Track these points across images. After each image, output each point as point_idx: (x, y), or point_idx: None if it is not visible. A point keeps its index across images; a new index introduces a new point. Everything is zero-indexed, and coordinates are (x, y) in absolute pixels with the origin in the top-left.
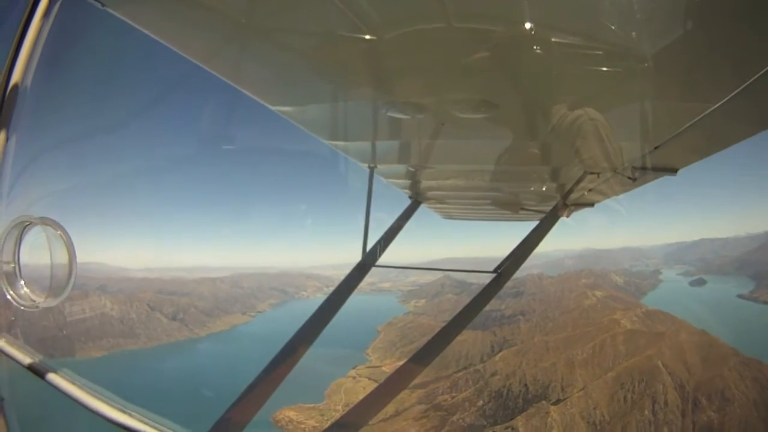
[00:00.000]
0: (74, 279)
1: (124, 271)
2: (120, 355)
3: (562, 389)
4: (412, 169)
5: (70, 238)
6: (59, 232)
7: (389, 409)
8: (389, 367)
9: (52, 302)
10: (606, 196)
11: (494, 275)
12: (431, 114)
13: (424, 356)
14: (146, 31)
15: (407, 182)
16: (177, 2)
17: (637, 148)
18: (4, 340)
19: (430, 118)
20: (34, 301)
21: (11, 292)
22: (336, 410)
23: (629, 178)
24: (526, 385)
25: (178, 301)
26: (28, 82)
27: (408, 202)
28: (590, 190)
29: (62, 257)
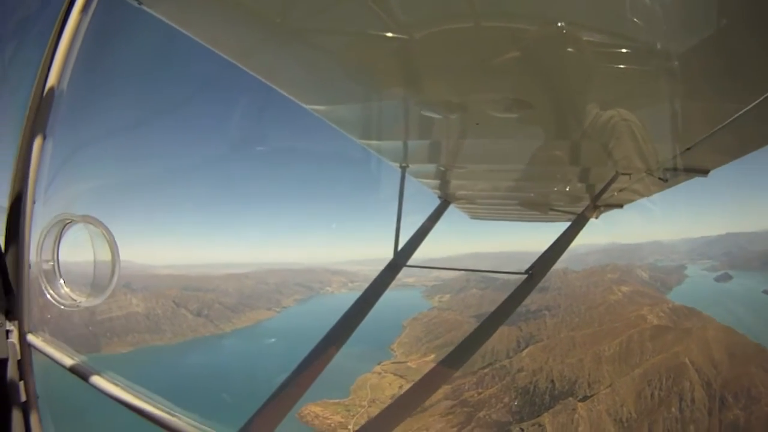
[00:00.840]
0: (117, 278)
1: (150, 268)
2: (145, 351)
3: (589, 386)
4: (444, 169)
5: (112, 236)
6: (101, 230)
7: None
8: (415, 362)
9: (94, 301)
10: (636, 197)
11: (526, 276)
12: (465, 113)
13: (455, 358)
14: (182, 30)
15: (437, 182)
16: (212, 1)
17: (669, 149)
18: (40, 338)
19: (464, 117)
20: (75, 301)
21: (51, 292)
22: (361, 406)
23: (661, 179)
24: (552, 381)
25: (203, 297)
26: (66, 80)
27: (437, 202)
28: (620, 190)
29: (105, 255)
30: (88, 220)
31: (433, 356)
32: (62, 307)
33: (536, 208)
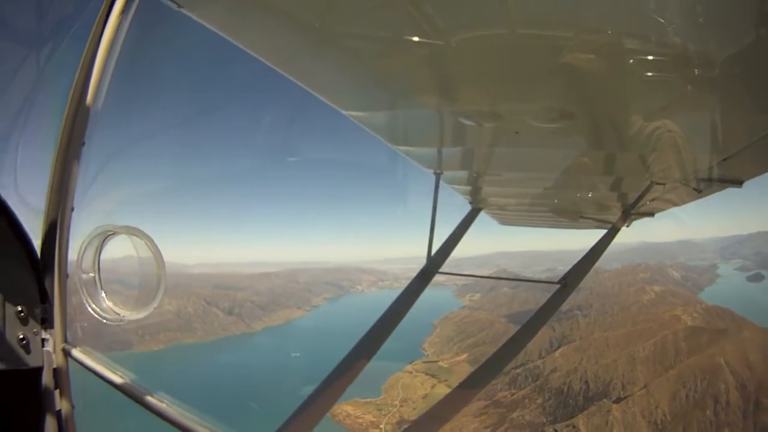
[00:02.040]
0: (163, 292)
1: (182, 267)
2: (177, 349)
3: (623, 387)
4: (477, 176)
5: (158, 248)
6: (145, 241)
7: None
8: (446, 362)
9: (139, 315)
10: (668, 206)
11: (559, 286)
12: (505, 122)
13: (491, 368)
14: (222, 33)
15: (469, 188)
16: (251, 5)
17: (705, 159)
18: (78, 348)
19: (503, 126)
20: (119, 314)
21: (93, 305)
22: (393, 405)
23: (695, 189)
24: (586, 382)
25: (234, 295)
26: (105, 85)
27: (468, 208)
28: (653, 200)
29: (150, 268)
30: (132, 231)
31: (465, 356)
32: (104, 321)
33: (568, 216)
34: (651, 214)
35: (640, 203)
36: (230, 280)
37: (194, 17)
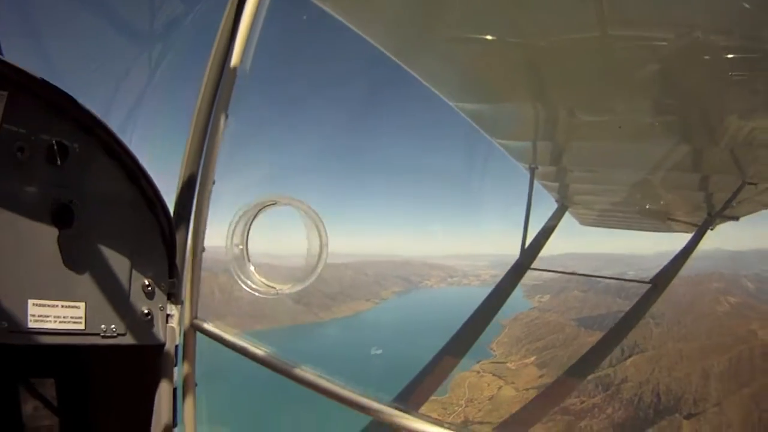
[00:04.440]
0: (323, 265)
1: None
2: (246, 335)
3: (695, 403)
4: (570, 171)
5: (322, 221)
6: (307, 210)
7: (513, 408)
8: (514, 364)
9: (296, 288)
10: (758, 208)
11: (650, 286)
12: (609, 116)
13: (580, 371)
14: (349, 24)
15: (558, 185)
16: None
17: None
18: (204, 323)
19: (609, 120)
20: (274, 288)
21: (243, 278)
22: (458, 405)
23: None
24: (658, 395)
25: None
26: (246, 68)
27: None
28: (741, 201)
29: (313, 241)
30: (294, 202)
31: (533, 358)
32: (257, 294)
33: (653, 217)
34: (736, 218)
35: (728, 205)
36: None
37: (326, 8)
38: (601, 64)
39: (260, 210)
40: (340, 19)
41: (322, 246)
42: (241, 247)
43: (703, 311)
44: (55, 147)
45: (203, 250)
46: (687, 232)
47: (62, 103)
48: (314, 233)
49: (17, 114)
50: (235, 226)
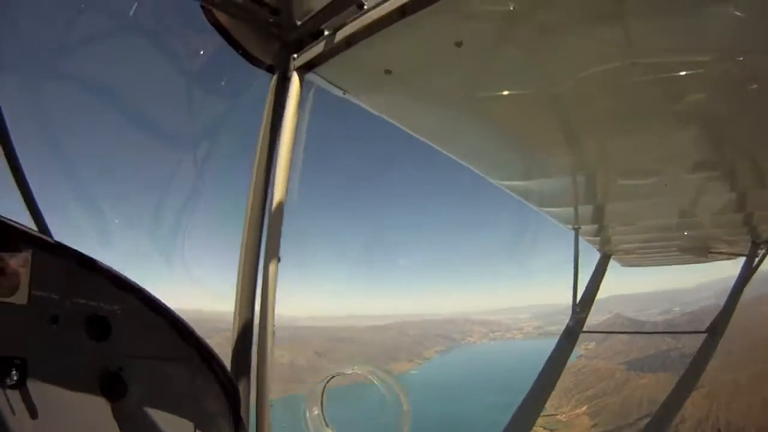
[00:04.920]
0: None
1: (294, 320)
2: (289, 399)
3: None
4: (613, 227)
5: (405, 390)
6: (393, 384)
7: None
8: (565, 415)
9: None
10: None
11: (706, 335)
12: (657, 177)
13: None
14: (383, 116)
15: (599, 238)
16: (405, 91)
17: None
18: None
19: (654, 181)
20: None
21: None
22: None
23: None
24: (719, 430)
25: (346, 348)
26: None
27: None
28: None
29: (391, 407)
30: (381, 377)
31: (584, 408)
32: None
33: (696, 253)
34: None
35: None
36: (343, 332)
37: (358, 102)
38: (647, 137)
39: (334, 376)
40: (390, 120)
41: (406, 414)
42: (317, 412)
43: (756, 336)
44: (96, 317)
45: (270, 406)
46: (728, 259)
47: (90, 264)
48: (397, 401)
49: (46, 278)
50: (313, 390)
